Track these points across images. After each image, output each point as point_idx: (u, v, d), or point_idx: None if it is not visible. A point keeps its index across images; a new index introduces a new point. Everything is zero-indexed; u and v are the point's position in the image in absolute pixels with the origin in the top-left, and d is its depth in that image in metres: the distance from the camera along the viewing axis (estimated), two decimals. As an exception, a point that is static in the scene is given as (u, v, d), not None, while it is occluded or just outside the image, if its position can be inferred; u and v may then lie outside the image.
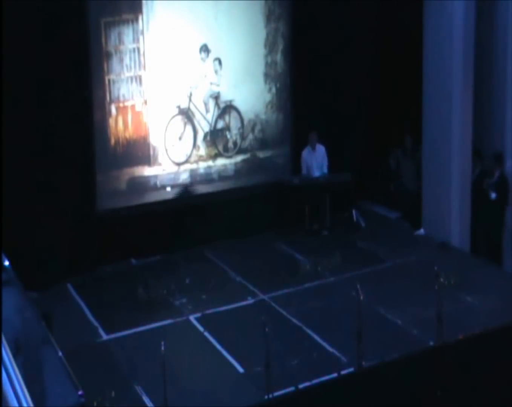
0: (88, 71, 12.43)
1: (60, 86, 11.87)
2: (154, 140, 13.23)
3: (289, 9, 13.97)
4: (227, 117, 13.85)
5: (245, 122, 13.96)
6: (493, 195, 12.92)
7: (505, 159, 13.28)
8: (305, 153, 14.02)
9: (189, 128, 13.54)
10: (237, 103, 13.87)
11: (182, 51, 13.20)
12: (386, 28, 14.56)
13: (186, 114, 13.49)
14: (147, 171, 13.19)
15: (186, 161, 13.57)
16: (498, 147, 13.30)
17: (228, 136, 13.92)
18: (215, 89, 13.66)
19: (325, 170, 14.02)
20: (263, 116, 14.07)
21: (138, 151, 13.12)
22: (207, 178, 13.70)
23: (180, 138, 13.49)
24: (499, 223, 13.30)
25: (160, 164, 13.32)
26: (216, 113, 13.73)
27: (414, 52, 13.56)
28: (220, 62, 13.54)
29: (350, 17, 14.24)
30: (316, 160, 14.00)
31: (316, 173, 14.00)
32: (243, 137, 13.99)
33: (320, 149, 14.00)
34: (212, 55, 13.47)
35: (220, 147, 13.86)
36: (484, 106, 13.37)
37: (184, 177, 13.52)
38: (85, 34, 12.32)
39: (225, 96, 13.76)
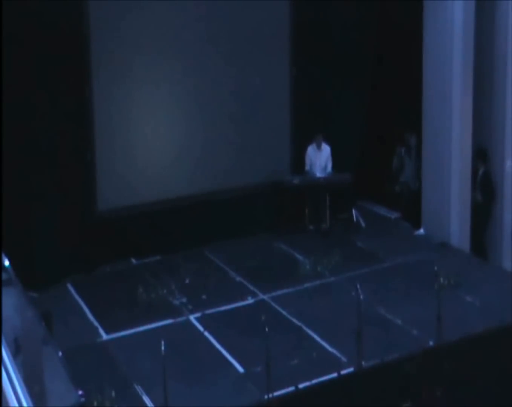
0: (88, 71, 12.42)
1: (60, 86, 11.87)
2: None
3: (289, 9, 13.97)
4: (227, 117, 13.86)
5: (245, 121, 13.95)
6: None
7: (491, 157, 13.46)
8: (310, 149, 14.07)
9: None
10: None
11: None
12: (386, 28, 14.56)
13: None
14: (147, 170, 13.18)
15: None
16: (498, 147, 13.32)
17: (228, 136, 13.94)
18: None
19: (329, 170, 14.04)
20: (263, 116, 14.05)
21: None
22: (207, 177, 13.68)
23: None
24: (484, 219, 13.47)
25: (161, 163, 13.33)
26: (216, 113, 13.75)
27: (414, 52, 13.57)
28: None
29: (350, 17, 14.25)
30: (320, 159, 14.05)
31: (318, 172, 14.02)
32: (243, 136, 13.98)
33: (326, 149, 14.03)
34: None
35: (220, 147, 13.89)
36: (484, 106, 13.38)
37: (183, 176, 13.50)
38: (85, 34, 12.31)
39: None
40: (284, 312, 11.25)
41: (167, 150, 13.40)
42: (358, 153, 14.82)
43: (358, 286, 9.59)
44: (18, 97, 11.39)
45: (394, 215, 14.83)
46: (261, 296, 11.85)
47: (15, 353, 5.72)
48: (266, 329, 8.76)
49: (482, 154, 13.50)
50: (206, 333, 10.70)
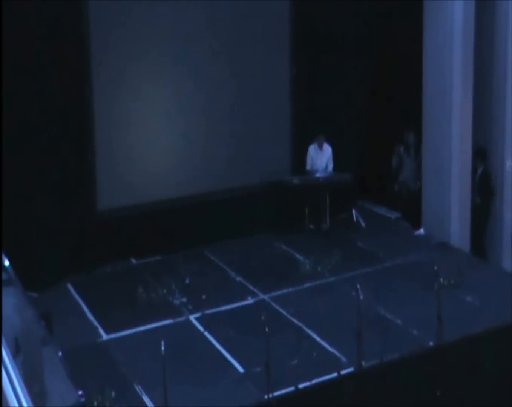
0: (88, 71, 12.42)
1: (60, 86, 11.87)
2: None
3: (289, 9, 13.97)
4: (227, 117, 13.86)
5: (245, 121, 13.95)
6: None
7: (491, 156, 13.45)
8: (312, 149, 14.09)
9: (189, 128, 13.57)
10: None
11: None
12: (386, 28, 14.57)
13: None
14: (147, 170, 13.18)
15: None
16: (498, 147, 13.31)
17: (228, 136, 13.93)
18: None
19: (330, 169, 14.06)
20: (263, 116, 14.05)
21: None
22: (207, 177, 13.67)
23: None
24: (483, 219, 13.48)
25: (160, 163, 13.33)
26: (216, 113, 13.75)
27: (414, 52, 13.57)
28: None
29: (350, 17, 14.25)
30: (321, 159, 14.07)
31: (320, 172, 14.02)
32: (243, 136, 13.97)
33: (327, 149, 14.05)
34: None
35: (220, 147, 13.88)
36: (484, 106, 13.38)
37: (183, 176, 13.50)
38: (85, 34, 12.30)
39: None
40: (284, 312, 11.25)
41: (167, 150, 13.40)
42: (358, 153, 14.82)
43: (358, 286, 9.59)
44: (18, 97, 11.38)
45: (394, 215, 14.84)
46: (261, 296, 11.85)
47: (15, 353, 5.72)
48: (266, 329, 8.76)
49: (482, 153, 13.50)
50: (206, 333, 10.71)
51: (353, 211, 14.57)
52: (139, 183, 13.08)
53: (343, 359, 9.90)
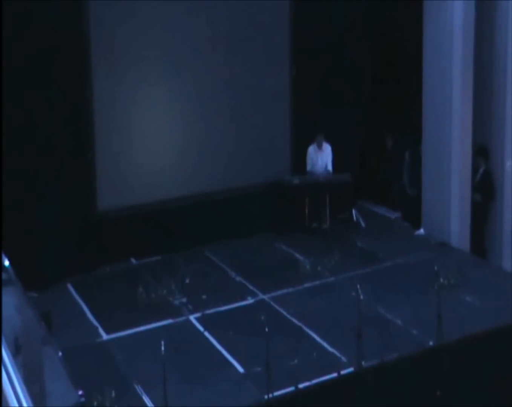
0: (88, 71, 12.42)
1: (60, 86, 11.87)
2: (154, 140, 13.27)
3: (289, 9, 13.97)
4: (227, 117, 13.86)
5: (245, 121, 13.95)
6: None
7: (491, 156, 13.45)
8: (312, 150, 14.10)
9: (189, 128, 13.57)
10: (237, 103, 13.89)
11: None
12: (386, 28, 14.57)
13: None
14: (147, 170, 13.18)
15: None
16: (498, 147, 13.31)
17: (228, 136, 13.94)
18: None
19: (330, 168, 14.06)
20: (263, 116, 14.04)
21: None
22: (207, 177, 13.67)
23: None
24: (483, 218, 13.48)
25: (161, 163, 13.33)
26: (216, 113, 13.74)
27: (414, 52, 13.57)
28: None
29: (350, 17, 14.26)
30: (321, 158, 14.08)
31: (320, 171, 14.02)
32: (243, 136, 13.98)
33: (327, 148, 14.07)
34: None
35: (220, 147, 13.88)
36: (484, 106, 13.38)
37: (183, 176, 13.50)
38: (85, 34, 12.30)
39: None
40: (284, 312, 11.25)
41: (167, 150, 13.40)
42: (358, 153, 14.83)
43: (358, 286, 9.59)
44: (18, 98, 11.38)
45: (394, 215, 14.84)
46: (261, 296, 11.85)
47: (15, 353, 5.72)
48: (266, 329, 8.76)
49: (484, 152, 13.48)
50: (206, 333, 10.71)
51: (353, 211, 14.57)
52: (139, 183, 13.08)
53: (343, 359, 9.90)
